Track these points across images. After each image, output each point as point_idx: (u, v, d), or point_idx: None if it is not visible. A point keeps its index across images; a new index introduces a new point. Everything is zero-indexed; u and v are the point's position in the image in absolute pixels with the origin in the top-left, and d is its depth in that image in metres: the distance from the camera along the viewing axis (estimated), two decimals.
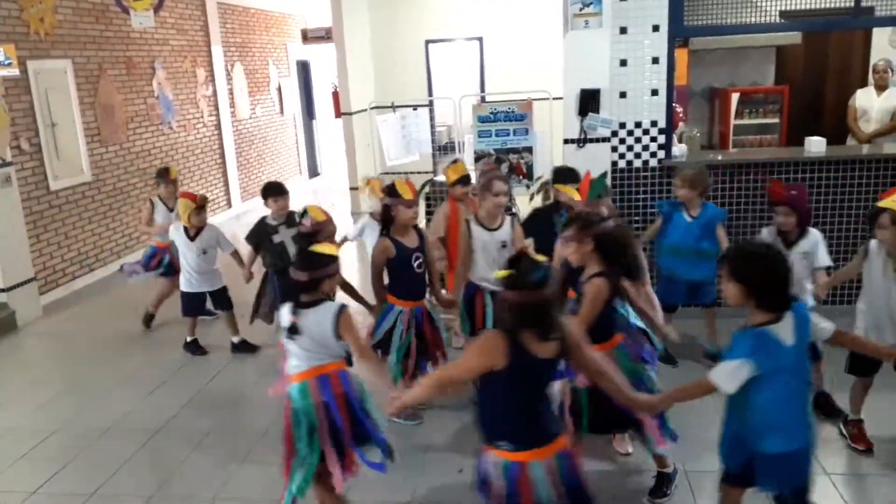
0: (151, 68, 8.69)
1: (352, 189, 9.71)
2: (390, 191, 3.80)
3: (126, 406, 4.50)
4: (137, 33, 8.36)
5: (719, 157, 5.48)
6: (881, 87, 6.48)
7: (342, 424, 2.80)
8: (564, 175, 4.43)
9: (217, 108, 10.28)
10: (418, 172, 8.76)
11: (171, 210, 5.79)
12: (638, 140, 5.26)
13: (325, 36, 11.91)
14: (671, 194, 5.26)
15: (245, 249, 5.26)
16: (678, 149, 5.42)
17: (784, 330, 2.38)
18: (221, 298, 5.31)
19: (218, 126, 10.31)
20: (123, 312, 6.35)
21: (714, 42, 7.15)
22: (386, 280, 3.89)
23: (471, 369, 2.33)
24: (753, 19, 6.27)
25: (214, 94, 10.22)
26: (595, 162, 5.26)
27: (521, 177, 5.87)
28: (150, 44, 8.69)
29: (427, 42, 10.47)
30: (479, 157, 5.90)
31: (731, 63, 7.62)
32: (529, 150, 5.83)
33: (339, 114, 9.86)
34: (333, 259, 2.93)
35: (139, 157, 8.40)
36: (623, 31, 5.07)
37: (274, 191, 5.03)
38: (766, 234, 4.07)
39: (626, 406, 2.66)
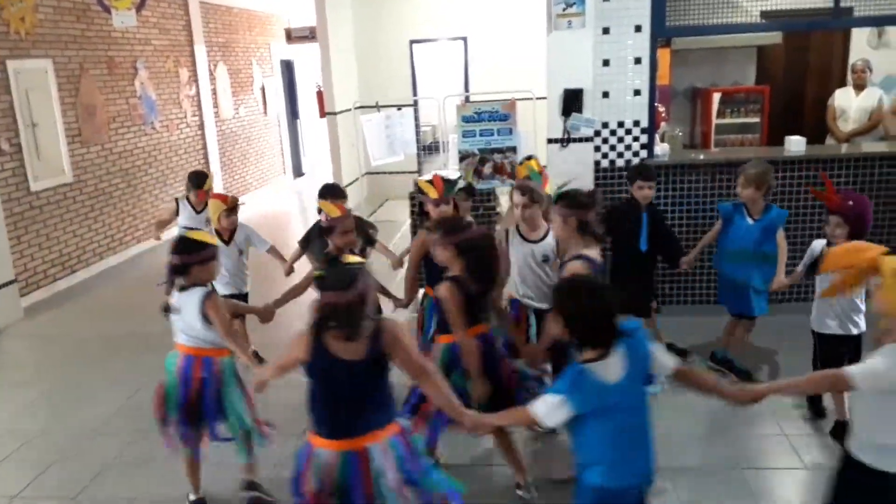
0: (134, 68, 8.63)
1: None
2: (419, 189, 3.86)
3: (110, 408, 4.48)
4: (119, 33, 8.30)
5: (701, 157, 5.53)
6: (859, 87, 6.57)
7: (184, 404, 3.14)
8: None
9: (200, 108, 10.23)
10: (403, 172, 8.79)
11: (199, 213, 5.46)
12: (620, 140, 5.30)
13: (308, 35, 11.88)
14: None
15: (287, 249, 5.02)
16: (660, 148, 5.47)
17: (609, 367, 2.24)
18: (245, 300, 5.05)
19: (201, 126, 10.26)
20: (106, 314, 6.31)
21: (696, 42, 7.22)
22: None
23: (291, 359, 2.51)
24: (735, 20, 6.34)
25: (197, 93, 10.16)
26: (578, 161, 5.30)
27: (505, 177, 5.89)
28: (133, 43, 8.63)
29: (411, 42, 10.48)
30: (463, 157, 5.92)
31: (712, 63, 7.69)
32: (514, 149, 5.85)
33: (323, 114, 9.83)
34: (204, 246, 3.09)
35: (121, 158, 8.35)
36: (606, 31, 5.10)
37: (331, 193, 4.58)
38: (815, 245, 3.77)
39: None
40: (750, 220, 4.22)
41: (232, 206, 4.79)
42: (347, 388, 2.39)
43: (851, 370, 2.22)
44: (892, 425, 2.19)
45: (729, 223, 4.32)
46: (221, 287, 4.81)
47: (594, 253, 3.16)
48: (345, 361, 2.36)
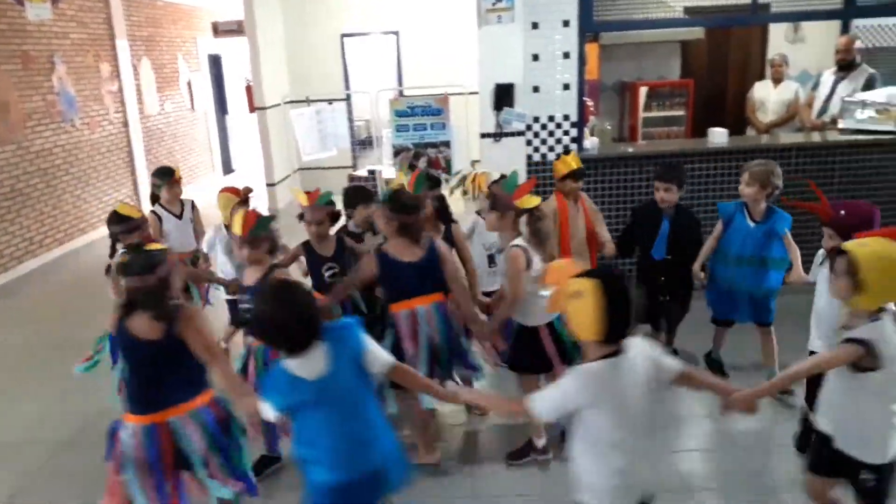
0: (50, 63, 8.26)
1: (268, 185, 9.53)
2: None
3: (32, 418, 4.29)
4: (34, 26, 7.92)
5: (630, 150, 5.66)
6: (777, 80, 6.83)
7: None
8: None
9: (124, 105, 9.87)
10: (336, 167, 8.70)
11: (180, 217, 4.90)
12: (551, 134, 5.37)
13: (236, 29, 11.61)
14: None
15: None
16: (590, 142, 5.57)
17: (307, 364, 2.27)
18: None
19: (125, 123, 9.90)
20: (28, 320, 6.04)
21: (623, 37, 7.38)
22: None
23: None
24: (659, 15, 6.51)
25: (120, 89, 9.81)
26: (511, 155, 5.35)
27: (439, 171, 5.90)
28: (49, 37, 8.26)
29: (343, 36, 10.36)
30: (397, 152, 5.90)
31: (639, 58, 7.88)
32: (447, 144, 5.87)
33: (252, 109, 9.64)
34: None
35: (39, 157, 7.99)
36: (535, 26, 5.16)
37: (365, 198, 4.25)
38: (818, 256, 3.32)
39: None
40: (751, 223, 3.96)
41: (245, 198, 4.37)
42: (148, 366, 2.59)
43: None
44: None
45: (728, 225, 4.03)
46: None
47: (411, 254, 3.33)
48: (143, 341, 2.54)
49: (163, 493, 2.58)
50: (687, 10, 6.62)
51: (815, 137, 5.69)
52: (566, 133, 5.36)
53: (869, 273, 2.25)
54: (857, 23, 7.37)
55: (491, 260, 4.40)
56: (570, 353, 3.28)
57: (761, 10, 5.69)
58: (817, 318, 3.15)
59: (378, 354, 2.42)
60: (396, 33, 10.42)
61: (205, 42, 12.60)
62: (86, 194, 8.82)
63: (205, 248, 4.67)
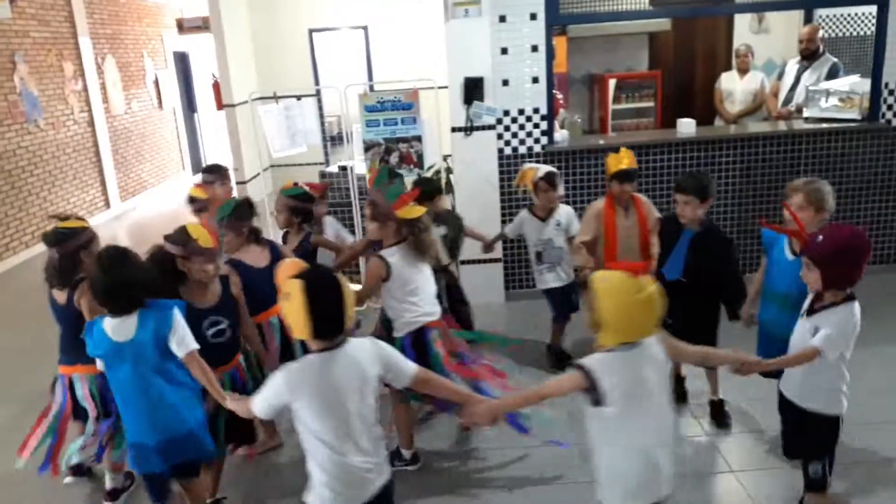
0: (11, 62, 8.09)
1: (238, 183, 9.42)
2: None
3: None
4: None
5: (600, 142, 5.69)
6: (743, 71, 6.91)
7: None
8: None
9: (89, 104, 9.71)
10: (308, 164, 8.62)
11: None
12: (522, 127, 5.38)
13: (201, 25, 11.45)
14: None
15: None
16: (560, 135, 5.59)
17: (120, 326, 2.62)
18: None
19: (91, 123, 9.74)
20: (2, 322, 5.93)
21: (591, 29, 7.41)
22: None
23: None
24: (625, 7, 6.54)
25: (85, 88, 9.64)
26: (482, 149, 5.36)
27: (411, 166, 5.88)
28: (9, 36, 8.08)
29: (311, 31, 10.27)
30: (368, 147, 5.86)
31: (607, 50, 7.91)
32: (419, 138, 5.85)
33: (220, 106, 9.52)
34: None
35: (3, 159, 7.83)
36: (502, 19, 5.16)
37: (436, 190, 4.28)
38: None
39: None
40: (789, 254, 3.12)
41: (323, 194, 4.38)
42: (60, 327, 3.16)
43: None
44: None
45: (769, 255, 3.28)
46: None
47: (252, 257, 3.46)
48: (57, 304, 3.11)
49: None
50: (652, 1, 6.67)
51: (781, 126, 5.77)
52: (536, 126, 5.37)
53: (604, 310, 2.09)
54: (820, 12, 7.49)
55: (539, 258, 4.41)
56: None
57: (726, 1, 5.76)
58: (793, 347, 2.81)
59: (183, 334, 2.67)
60: (365, 28, 10.35)
61: (171, 39, 12.42)
62: (52, 196, 8.67)
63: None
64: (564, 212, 4.42)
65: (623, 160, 3.98)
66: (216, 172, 4.75)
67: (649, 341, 2.16)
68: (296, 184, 4.08)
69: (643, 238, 4.03)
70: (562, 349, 4.54)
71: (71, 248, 3.02)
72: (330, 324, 2.12)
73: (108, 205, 10.02)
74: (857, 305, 2.62)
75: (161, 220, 7.89)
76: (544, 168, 4.35)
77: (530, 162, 5.39)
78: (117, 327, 2.61)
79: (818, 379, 2.69)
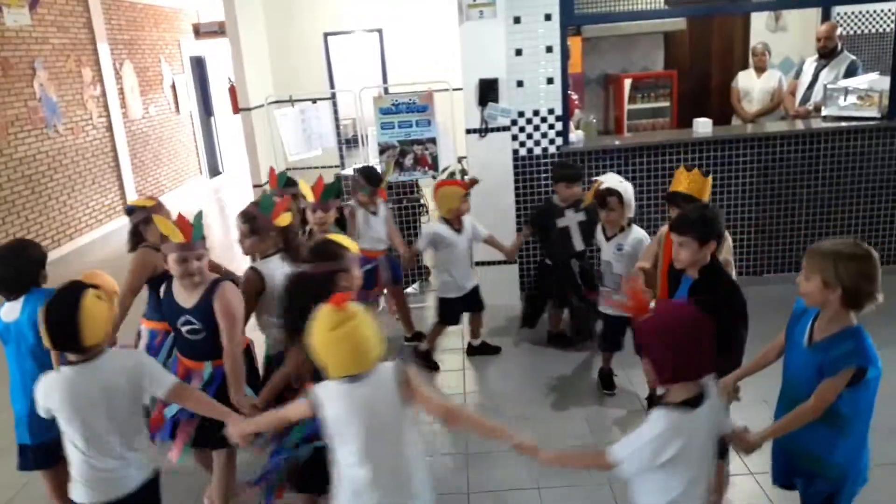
0: (31, 69, 8.20)
1: (255, 186, 9.48)
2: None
3: None
4: (13, 31, 7.86)
5: (616, 142, 5.67)
6: (760, 69, 6.86)
7: None
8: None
9: (107, 109, 9.81)
10: (323, 167, 8.66)
11: (375, 214, 4.71)
12: (536, 128, 5.37)
13: (218, 30, 11.54)
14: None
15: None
16: (575, 135, 5.58)
17: (9, 308, 2.91)
18: (476, 297, 4.65)
19: (109, 128, 9.84)
20: None
21: (606, 30, 7.38)
22: None
23: None
24: (640, 7, 6.52)
25: (103, 94, 9.74)
26: (497, 151, 5.35)
27: (426, 168, 5.89)
28: (29, 43, 8.19)
29: (326, 34, 10.32)
30: (383, 150, 5.88)
31: (622, 50, 7.88)
32: (433, 140, 5.86)
33: (237, 110, 9.57)
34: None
35: (23, 164, 7.93)
36: (517, 20, 5.15)
37: (569, 177, 4.31)
38: None
39: None
40: (805, 342, 2.34)
41: (468, 190, 4.39)
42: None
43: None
44: None
45: (789, 335, 2.47)
46: (446, 288, 4.53)
47: None
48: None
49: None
50: (668, 1, 6.64)
51: (799, 125, 5.72)
52: (551, 127, 5.36)
53: (313, 344, 2.06)
54: (838, 9, 7.42)
55: (600, 279, 4.19)
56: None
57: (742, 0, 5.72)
58: None
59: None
60: (380, 31, 10.39)
61: (187, 44, 12.53)
62: (72, 200, 8.76)
63: (421, 245, 4.59)
64: (633, 236, 3.97)
65: (678, 182, 3.34)
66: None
67: (381, 372, 2.10)
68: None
69: (668, 262, 3.26)
70: (610, 371, 4.27)
71: (134, 221, 3.50)
72: (63, 339, 2.25)
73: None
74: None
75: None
76: (612, 179, 3.96)
77: (545, 161, 5.39)
78: (7, 309, 2.92)
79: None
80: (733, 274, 3.23)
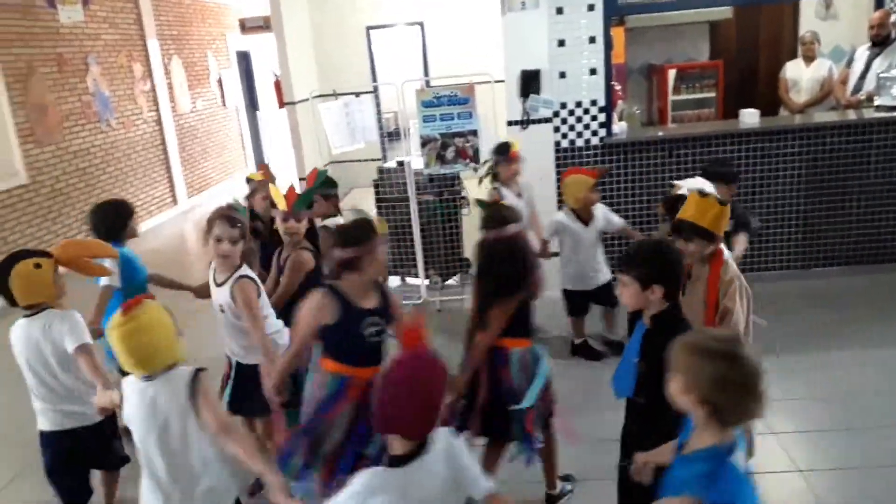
0: (85, 64, 8.45)
1: (300, 180, 9.62)
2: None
3: None
4: (67, 28, 8.11)
5: (660, 133, 5.61)
6: (809, 59, 6.69)
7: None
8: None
9: (157, 103, 10.06)
10: (365, 160, 8.75)
11: (521, 196, 4.56)
12: (579, 119, 5.35)
13: (263, 25, 11.72)
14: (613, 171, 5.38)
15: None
16: (618, 127, 5.53)
17: None
18: (608, 292, 4.38)
19: (159, 121, 10.09)
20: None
21: (649, 20, 7.30)
22: None
23: None
24: None
25: (153, 88, 9.99)
26: (539, 143, 5.35)
27: (467, 160, 5.92)
28: (82, 39, 8.44)
29: (368, 28, 10.40)
30: (424, 143, 5.92)
31: (666, 40, 7.78)
32: (474, 133, 5.87)
33: (282, 104, 9.73)
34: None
35: (77, 157, 8.19)
36: (559, 11, 5.13)
37: (728, 176, 3.96)
38: None
39: None
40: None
41: (597, 179, 4.25)
42: None
43: None
44: None
45: None
46: (572, 280, 4.40)
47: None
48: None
49: None
50: None
51: (851, 115, 5.58)
52: (594, 118, 5.33)
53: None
54: None
55: None
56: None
57: None
58: None
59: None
60: (421, 24, 10.43)
61: (233, 39, 12.75)
62: (123, 192, 9.01)
63: (545, 234, 4.45)
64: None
65: (688, 208, 2.81)
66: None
67: (175, 377, 2.26)
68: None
69: (711, 301, 2.83)
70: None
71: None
72: (6, 297, 2.82)
73: (175, 201, 10.36)
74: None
75: None
76: (695, 184, 3.27)
77: (588, 153, 5.37)
78: None
79: None
80: (731, 270, 2.83)
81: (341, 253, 2.56)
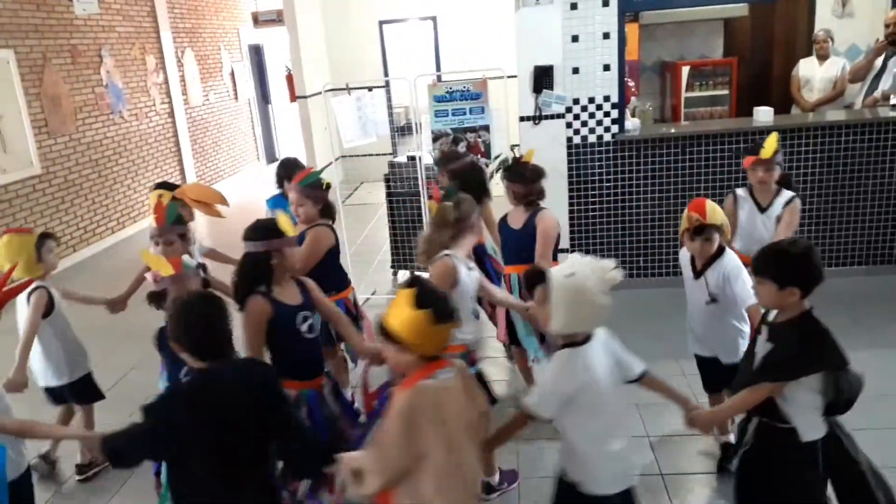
0: (98, 56, 8.49)
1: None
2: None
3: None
4: (81, 20, 8.15)
5: (672, 130, 5.59)
6: (822, 57, 6.65)
7: None
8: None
9: (169, 96, 10.10)
10: (378, 154, 8.76)
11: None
12: (592, 115, 5.33)
13: (276, 19, 11.74)
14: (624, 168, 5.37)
15: None
16: (631, 123, 5.52)
17: None
18: None
19: (171, 114, 10.13)
20: (83, 305, 6.25)
21: (663, 16, 7.26)
22: None
23: None
24: None
25: (166, 81, 10.03)
26: (551, 138, 5.34)
27: (478, 155, 5.91)
28: (96, 31, 8.48)
29: (381, 22, 10.40)
30: (436, 137, 5.92)
31: (680, 37, 7.74)
32: (486, 128, 5.87)
33: (294, 97, 9.75)
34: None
35: (90, 148, 8.23)
36: (573, 6, 5.12)
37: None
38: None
39: None
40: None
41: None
42: None
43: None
44: None
45: None
46: None
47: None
48: None
49: None
50: None
51: (866, 114, 5.54)
52: (607, 115, 5.32)
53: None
54: None
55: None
56: None
57: None
58: None
59: None
60: (434, 18, 10.42)
61: (246, 32, 12.78)
62: (135, 184, 9.06)
63: None
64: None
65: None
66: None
67: None
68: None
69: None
70: None
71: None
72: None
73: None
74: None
75: (235, 209, 8.14)
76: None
77: (600, 149, 5.35)
78: None
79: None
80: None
81: (251, 246, 2.77)
